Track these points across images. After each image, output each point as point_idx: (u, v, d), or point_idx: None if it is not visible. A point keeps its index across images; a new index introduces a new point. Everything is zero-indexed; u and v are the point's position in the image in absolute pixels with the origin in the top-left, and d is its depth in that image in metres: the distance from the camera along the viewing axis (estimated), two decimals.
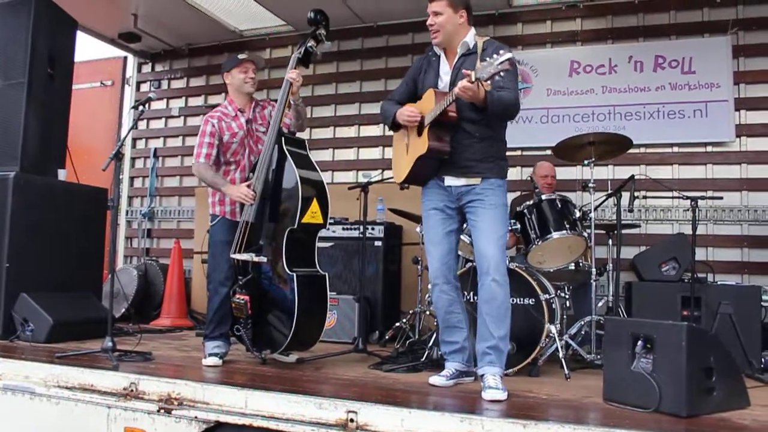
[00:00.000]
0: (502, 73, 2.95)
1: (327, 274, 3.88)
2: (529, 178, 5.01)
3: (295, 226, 3.73)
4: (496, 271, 3.24)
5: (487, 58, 2.97)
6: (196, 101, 7.69)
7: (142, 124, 7.80)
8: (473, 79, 2.99)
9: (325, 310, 3.85)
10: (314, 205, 3.78)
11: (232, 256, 3.90)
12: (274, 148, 3.88)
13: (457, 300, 3.50)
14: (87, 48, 7.25)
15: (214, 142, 3.99)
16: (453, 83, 3.31)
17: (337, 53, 6.88)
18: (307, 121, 4.18)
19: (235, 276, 3.92)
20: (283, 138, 3.89)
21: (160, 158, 7.79)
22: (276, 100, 4.03)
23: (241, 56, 4.10)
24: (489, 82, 3.01)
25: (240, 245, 3.88)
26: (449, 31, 3.38)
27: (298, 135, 4.08)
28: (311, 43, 4.03)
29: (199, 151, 3.99)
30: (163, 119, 7.86)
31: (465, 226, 3.59)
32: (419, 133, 3.39)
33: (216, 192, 4.04)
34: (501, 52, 2.92)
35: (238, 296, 3.86)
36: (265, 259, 3.82)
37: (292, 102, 3.93)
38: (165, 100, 7.82)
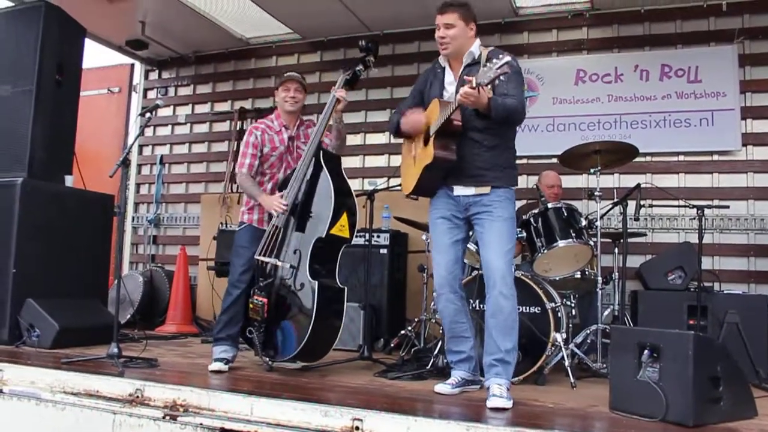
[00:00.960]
0: (502, 77, 2.96)
1: (346, 288, 3.91)
2: (534, 187, 5.02)
3: (324, 236, 3.77)
4: (503, 284, 3.24)
5: (488, 63, 2.99)
6: (203, 108, 7.72)
7: (148, 131, 7.80)
8: (474, 85, 3.00)
9: (340, 323, 3.86)
10: (344, 219, 3.84)
11: (257, 257, 3.95)
12: (312, 160, 3.95)
13: (462, 309, 3.50)
14: (95, 55, 7.30)
15: (257, 153, 4.10)
16: (457, 93, 3.33)
17: (343, 61, 6.90)
18: (345, 144, 4.28)
19: (256, 277, 3.97)
20: (321, 151, 3.97)
21: (167, 165, 7.81)
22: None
23: (286, 75, 4.22)
24: (490, 87, 3.02)
25: (266, 249, 3.92)
26: (460, 43, 3.39)
27: None
28: (360, 67, 4.17)
29: (242, 161, 4.10)
30: (170, 126, 7.88)
31: (471, 234, 3.59)
32: (425, 143, 3.40)
33: (249, 201, 4.14)
34: (501, 56, 2.94)
35: (256, 297, 3.90)
36: (288, 265, 3.84)
37: (334, 121, 4.04)
38: (172, 107, 7.84)
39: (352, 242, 3.94)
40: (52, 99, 5.13)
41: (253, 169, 4.09)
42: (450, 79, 3.47)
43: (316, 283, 3.71)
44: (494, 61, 2.94)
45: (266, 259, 3.92)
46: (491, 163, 3.35)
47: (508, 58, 2.92)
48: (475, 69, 3.31)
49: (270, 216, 4.00)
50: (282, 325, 3.86)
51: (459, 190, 3.41)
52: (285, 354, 3.81)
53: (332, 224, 3.78)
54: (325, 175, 3.88)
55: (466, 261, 4.09)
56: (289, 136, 4.17)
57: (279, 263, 3.88)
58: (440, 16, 3.39)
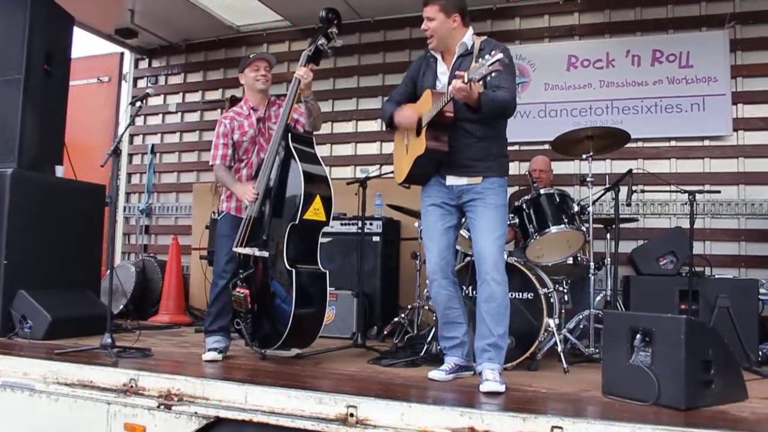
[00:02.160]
0: (494, 74, 2.95)
1: (327, 272, 3.89)
2: (527, 173, 5.02)
3: (296, 222, 3.73)
4: (495, 270, 3.25)
5: (480, 59, 2.98)
6: (194, 97, 7.69)
7: (139, 121, 7.76)
8: (466, 80, 3.00)
9: (323, 308, 3.84)
10: (317, 202, 3.79)
11: (235, 249, 3.92)
12: (280, 144, 3.89)
13: (455, 295, 3.51)
14: (84, 44, 7.24)
15: (228, 142, 4.06)
16: (450, 83, 3.32)
17: (335, 48, 6.85)
18: (321, 119, 4.19)
19: (236, 270, 3.94)
20: (289, 134, 3.90)
21: (158, 154, 7.77)
22: (283, 95, 4.05)
23: (252, 55, 4.15)
24: (481, 83, 3.01)
25: (243, 239, 3.89)
26: (442, 35, 3.38)
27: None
28: (322, 41, 3.99)
29: (215, 153, 4.07)
30: (161, 115, 7.84)
31: (464, 221, 3.60)
32: (418, 134, 3.39)
33: (227, 189, 4.11)
34: (493, 52, 2.92)
35: (238, 290, 3.87)
36: (266, 254, 3.82)
37: (303, 99, 3.94)
38: (162, 96, 7.79)
39: (343, 229, 3.93)
40: (40, 89, 5.08)
41: (227, 159, 4.05)
42: (443, 69, 3.46)
43: (293, 270, 3.68)
44: (486, 57, 2.92)
45: (244, 250, 3.87)
46: (483, 154, 3.35)
47: (500, 55, 2.90)
48: (468, 59, 3.31)
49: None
50: (266, 313, 3.84)
51: (451, 180, 3.41)
52: (274, 342, 3.79)
53: (305, 210, 3.73)
54: (294, 162, 3.81)
55: (458, 248, 4.11)
56: (258, 118, 4.10)
57: (257, 253, 3.84)
58: (424, 8, 3.38)
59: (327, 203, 3.84)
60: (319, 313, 3.82)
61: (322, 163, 3.95)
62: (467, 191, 3.37)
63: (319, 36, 3.99)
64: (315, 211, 3.78)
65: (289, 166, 3.84)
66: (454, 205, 3.45)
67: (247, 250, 3.86)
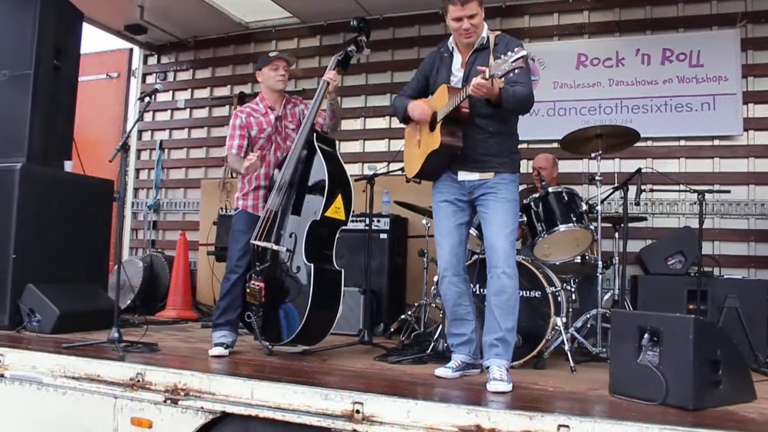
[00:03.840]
0: (516, 71, 2.94)
1: (343, 271, 3.90)
2: (533, 170, 5.00)
3: (318, 219, 3.77)
4: (506, 264, 3.25)
5: (502, 55, 2.96)
6: (202, 93, 7.69)
7: (147, 116, 7.80)
8: (487, 76, 2.98)
9: (337, 306, 3.86)
10: (338, 201, 3.84)
11: (253, 242, 3.95)
12: (305, 142, 3.94)
13: (465, 292, 3.50)
14: (93, 40, 7.27)
15: (245, 134, 4.07)
16: (466, 79, 3.32)
17: (344, 46, 6.86)
18: (341, 121, 4.29)
19: (252, 262, 3.97)
20: (315, 134, 3.96)
21: (166, 150, 7.79)
22: (295, 93, 4.08)
23: (272, 54, 4.17)
24: (503, 78, 3.00)
25: (262, 233, 3.92)
26: (481, 29, 3.35)
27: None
28: (352, 47, 4.17)
29: (230, 143, 4.07)
30: (169, 111, 7.85)
31: (474, 217, 3.59)
32: (431, 129, 3.38)
33: (243, 186, 4.12)
34: (516, 49, 2.91)
35: (253, 282, 3.90)
36: (284, 249, 3.84)
37: (328, 101, 4.03)
38: (171, 92, 7.81)
39: (351, 226, 3.95)
40: (50, 84, 5.10)
41: (242, 151, 4.05)
42: (458, 64, 3.44)
43: (312, 266, 3.72)
44: (509, 53, 2.91)
45: (262, 244, 3.91)
46: (496, 149, 3.35)
47: (524, 52, 2.89)
48: (483, 54, 3.30)
49: (265, 201, 4.01)
50: (280, 309, 3.86)
51: (463, 176, 3.40)
52: (283, 338, 3.82)
53: (327, 206, 3.78)
54: (318, 158, 3.87)
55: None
56: (276, 117, 4.13)
57: (275, 247, 3.88)
58: (462, 7, 3.26)
59: (347, 203, 3.90)
60: (333, 311, 3.85)
61: (344, 165, 4.00)
62: (479, 186, 3.36)
63: (350, 43, 4.17)
64: (336, 210, 3.83)
65: (312, 164, 3.90)
66: (465, 201, 3.44)
67: (266, 244, 3.89)
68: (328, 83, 3.96)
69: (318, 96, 4.01)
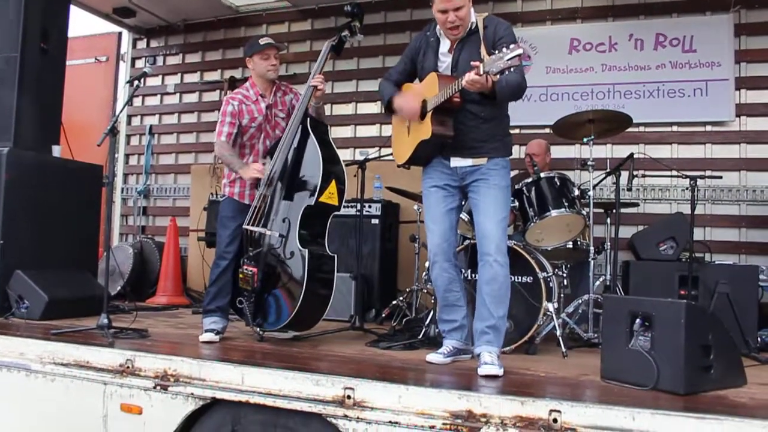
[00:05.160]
0: (512, 68, 2.90)
1: (335, 256, 3.88)
2: (525, 156, 4.98)
3: (313, 204, 3.76)
4: (497, 251, 3.23)
5: (497, 51, 2.92)
6: (192, 78, 7.62)
7: (137, 101, 7.73)
8: (481, 72, 2.95)
9: (330, 291, 3.84)
10: (332, 186, 3.82)
11: (245, 227, 3.94)
12: (299, 127, 3.92)
13: (456, 278, 3.49)
14: (81, 23, 7.17)
15: (235, 122, 4.02)
16: (455, 65, 3.30)
17: (334, 29, 6.79)
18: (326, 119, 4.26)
19: (245, 247, 3.95)
20: (308, 118, 3.94)
21: (156, 135, 7.72)
22: (286, 78, 4.05)
23: (262, 42, 4.10)
24: (497, 76, 2.97)
25: (255, 218, 3.90)
26: (468, 20, 3.29)
27: None
28: (345, 32, 4.14)
29: (220, 129, 4.02)
30: (159, 96, 7.78)
31: (464, 203, 3.57)
32: (422, 117, 3.34)
33: (230, 174, 4.08)
34: (512, 46, 2.87)
35: (246, 267, 3.88)
36: (277, 234, 3.82)
37: (313, 105, 4.00)
38: (160, 76, 7.72)
39: (343, 211, 3.93)
40: (37, 67, 5.02)
41: (231, 138, 4.02)
42: (444, 49, 3.39)
43: (306, 251, 3.70)
44: (504, 50, 2.87)
45: (255, 229, 3.89)
46: (489, 135, 3.32)
47: (519, 51, 2.84)
48: (472, 39, 3.26)
49: (253, 187, 3.98)
50: (272, 294, 3.84)
51: (456, 162, 3.37)
52: (276, 323, 3.80)
53: (321, 192, 3.76)
54: (312, 143, 3.85)
55: (458, 231, 4.08)
56: (267, 105, 4.10)
57: (268, 232, 3.86)
58: (448, 0, 3.21)
59: (341, 188, 3.88)
60: (326, 297, 3.83)
61: (337, 151, 3.98)
62: (471, 172, 3.33)
63: (344, 29, 4.14)
64: (330, 195, 3.81)
65: (306, 149, 3.87)
66: (456, 187, 3.41)
67: (258, 229, 3.87)
68: (314, 88, 3.93)
69: (304, 99, 3.97)
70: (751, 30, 5.52)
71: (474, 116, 3.29)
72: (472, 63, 3.04)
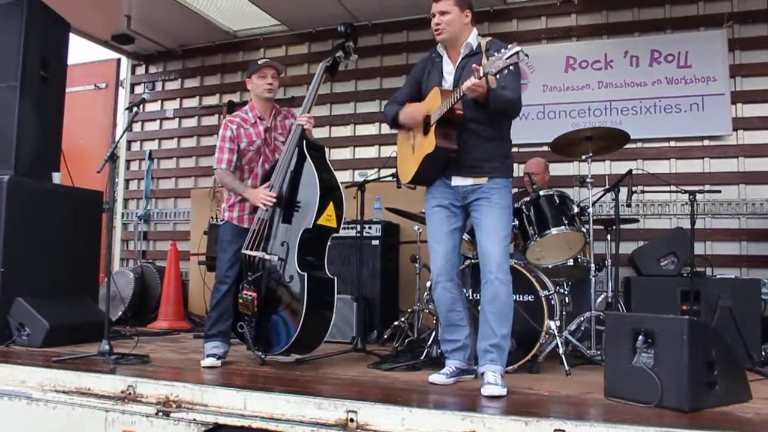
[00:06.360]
0: (511, 67, 2.93)
1: (335, 278, 3.88)
2: (524, 175, 4.99)
3: (311, 227, 3.75)
4: (499, 270, 3.23)
5: (495, 53, 2.96)
6: (191, 102, 7.67)
7: (136, 126, 7.77)
8: (482, 74, 2.98)
9: (331, 314, 3.84)
10: (330, 209, 3.82)
11: (244, 251, 3.93)
12: (295, 150, 3.92)
13: (459, 298, 3.48)
14: (80, 50, 7.23)
15: (234, 147, 4.02)
16: (457, 83, 3.32)
17: (331, 52, 6.85)
18: None
19: (244, 272, 3.93)
20: (304, 141, 3.94)
21: (156, 160, 7.75)
22: (284, 101, 4.07)
23: (260, 62, 4.13)
24: (497, 76, 2.99)
25: (253, 242, 3.90)
26: (455, 30, 3.36)
27: None
28: (339, 53, 4.18)
29: (220, 156, 4.02)
30: (158, 121, 7.82)
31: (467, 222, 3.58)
32: (425, 132, 3.37)
33: (229, 198, 4.08)
34: (510, 45, 2.92)
35: (245, 292, 3.87)
36: (276, 258, 3.82)
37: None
38: (159, 101, 7.79)
39: (342, 233, 3.94)
40: (37, 95, 5.05)
41: (231, 165, 4.01)
42: (449, 68, 3.44)
43: (305, 274, 3.69)
44: (502, 50, 2.91)
45: (254, 253, 3.88)
46: (490, 155, 3.34)
47: (518, 48, 2.89)
48: (473, 60, 3.29)
49: (252, 211, 3.97)
50: (273, 318, 3.84)
51: (457, 181, 3.39)
52: (277, 347, 3.79)
53: (319, 214, 3.76)
54: (309, 165, 3.85)
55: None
56: (266, 128, 4.09)
57: (267, 256, 3.85)
58: (435, 3, 3.35)
59: (339, 211, 3.88)
60: (327, 319, 3.83)
61: (334, 173, 3.99)
62: (473, 191, 3.35)
63: (338, 49, 4.18)
64: (328, 217, 3.81)
65: (303, 171, 3.88)
66: (459, 206, 3.43)
67: (257, 253, 3.87)
68: (302, 127, 3.95)
69: (293, 138, 3.96)
70: (745, 45, 5.57)
71: (476, 135, 3.32)
72: (473, 66, 3.08)
